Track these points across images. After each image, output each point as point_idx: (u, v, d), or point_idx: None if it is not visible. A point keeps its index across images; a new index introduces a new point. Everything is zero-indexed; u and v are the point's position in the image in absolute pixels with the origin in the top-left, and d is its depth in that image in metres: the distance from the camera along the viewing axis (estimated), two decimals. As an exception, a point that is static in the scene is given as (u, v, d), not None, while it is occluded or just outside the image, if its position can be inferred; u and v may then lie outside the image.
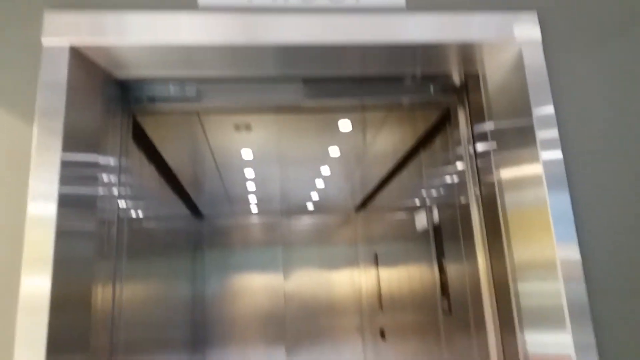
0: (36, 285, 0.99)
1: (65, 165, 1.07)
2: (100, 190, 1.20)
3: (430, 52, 1.24)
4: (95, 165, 1.18)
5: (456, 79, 1.41)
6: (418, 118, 1.79)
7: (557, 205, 1.12)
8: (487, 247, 1.38)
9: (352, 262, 3.88)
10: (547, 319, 1.11)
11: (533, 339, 1.16)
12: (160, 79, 1.32)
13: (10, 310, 1.01)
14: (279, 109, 1.48)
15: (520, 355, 1.20)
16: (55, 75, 1.10)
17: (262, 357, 3.64)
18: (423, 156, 2.05)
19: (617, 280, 1.12)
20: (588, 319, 1.06)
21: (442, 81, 1.44)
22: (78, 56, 1.15)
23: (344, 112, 1.59)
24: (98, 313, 1.18)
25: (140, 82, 1.35)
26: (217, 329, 3.63)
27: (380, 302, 3.09)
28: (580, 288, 1.07)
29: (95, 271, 1.16)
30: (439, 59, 1.29)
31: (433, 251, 1.96)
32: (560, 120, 1.20)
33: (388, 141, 2.10)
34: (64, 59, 1.11)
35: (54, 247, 1.01)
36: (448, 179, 1.73)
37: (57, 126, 1.07)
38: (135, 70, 1.26)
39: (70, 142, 1.09)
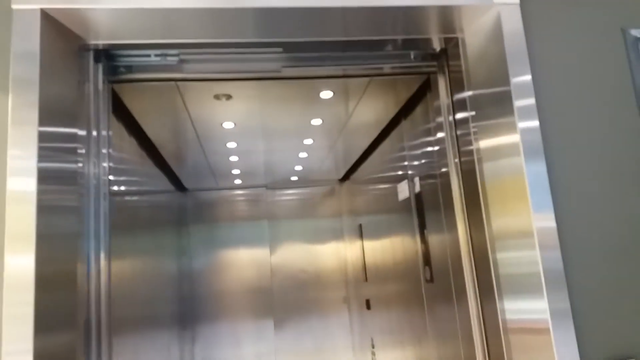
0: (20, 263, 0.98)
1: (43, 139, 1.04)
2: (81, 164, 1.18)
3: (410, 15, 1.22)
4: (73, 138, 1.15)
5: (436, 44, 1.39)
6: (399, 87, 1.78)
7: (533, 174, 1.12)
8: (466, 217, 1.39)
9: (337, 234, 3.90)
10: (525, 286, 1.13)
11: (511, 306, 1.18)
12: (137, 46, 1.28)
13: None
14: (259, 78, 1.45)
15: (500, 322, 1.22)
16: (28, 42, 1.06)
17: (251, 331, 3.68)
18: (404, 126, 2.04)
19: (592, 247, 1.14)
20: (563, 286, 1.07)
21: (423, 47, 1.42)
22: (50, 21, 1.11)
23: (325, 79, 1.56)
24: (84, 290, 1.17)
25: (116, 50, 1.31)
26: (206, 304, 3.65)
27: (365, 273, 3.12)
28: (556, 256, 1.09)
29: (79, 247, 1.14)
30: (419, 23, 1.27)
31: (415, 221, 1.98)
32: (538, 88, 1.20)
33: (370, 111, 2.09)
34: (36, 25, 1.07)
35: (36, 223, 1.00)
36: (429, 149, 1.73)
37: (33, 98, 1.04)
38: (110, 37, 1.22)
39: (47, 115, 1.06)
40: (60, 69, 1.13)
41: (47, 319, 1.00)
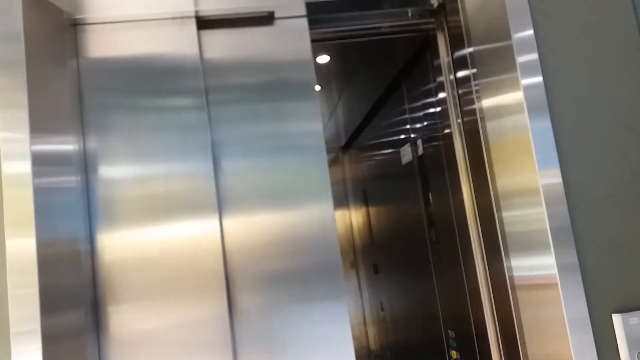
0: (21, 246, 0.98)
1: (34, 120, 1.02)
2: (75, 145, 1.16)
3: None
4: (66, 117, 1.13)
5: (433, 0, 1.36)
6: (398, 47, 1.74)
7: (538, 130, 1.10)
8: (470, 177, 1.37)
9: (341, 201, 3.90)
10: (532, 243, 1.12)
11: (518, 263, 1.18)
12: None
13: (-1, 274, 1.00)
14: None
15: (507, 279, 1.22)
16: (10, 21, 1.03)
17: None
18: (405, 87, 2.01)
19: (599, 202, 1.12)
20: (571, 241, 1.06)
21: (420, 3, 1.39)
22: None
23: (321, 43, 1.53)
24: (88, 268, 1.17)
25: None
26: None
27: (372, 238, 3.13)
28: (563, 211, 1.07)
29: (79, 226, 1.13)
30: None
31: (419, 184, 1.96)
32: (540, 42, 1.16)
33: (368, 73, 2.05)
34: (18, 2, 1.03)
35: (34, 206, 0.99)
36: (430, 110, 1.70)
37: (20, 80, 1.01)
38: (96, 13, 1.18)
39: (37, 95, 1.04)
40: (47, 47, 1.09)
41: (52, 299, 1.00)
